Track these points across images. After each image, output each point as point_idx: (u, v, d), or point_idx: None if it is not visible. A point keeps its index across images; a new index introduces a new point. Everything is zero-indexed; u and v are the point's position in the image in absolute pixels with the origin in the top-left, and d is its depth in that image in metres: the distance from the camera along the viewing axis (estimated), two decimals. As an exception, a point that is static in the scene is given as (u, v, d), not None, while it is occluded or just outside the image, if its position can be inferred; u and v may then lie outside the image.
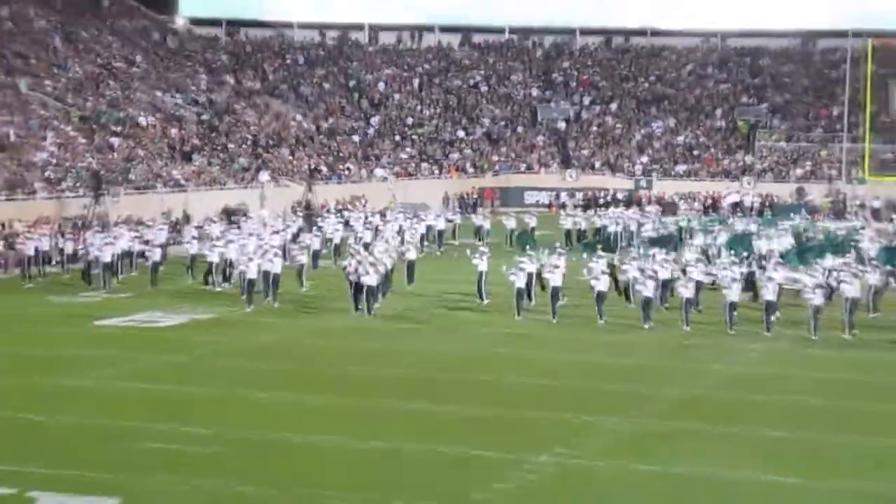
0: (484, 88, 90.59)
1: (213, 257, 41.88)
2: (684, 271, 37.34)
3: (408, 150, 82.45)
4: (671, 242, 46.31)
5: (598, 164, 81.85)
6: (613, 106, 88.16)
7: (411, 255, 42.92)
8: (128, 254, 45.22)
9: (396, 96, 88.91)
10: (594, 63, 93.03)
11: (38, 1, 76.88)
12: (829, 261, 38.47)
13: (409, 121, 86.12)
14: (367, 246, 44.46)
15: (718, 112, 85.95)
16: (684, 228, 53.60)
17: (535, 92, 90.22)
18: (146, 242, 45.65)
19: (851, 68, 78.32)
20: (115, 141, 63.85)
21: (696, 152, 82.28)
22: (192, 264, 43.48)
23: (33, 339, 32.51)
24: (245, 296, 37.50)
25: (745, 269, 37.55)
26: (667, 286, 37.12)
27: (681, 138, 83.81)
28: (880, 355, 31.28)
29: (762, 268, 37.95)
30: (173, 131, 69.23)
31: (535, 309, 36.54)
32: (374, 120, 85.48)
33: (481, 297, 38.33)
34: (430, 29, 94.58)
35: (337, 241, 49.92)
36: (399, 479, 19.69)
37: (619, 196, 74.53)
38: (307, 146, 77.15)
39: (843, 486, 19.58)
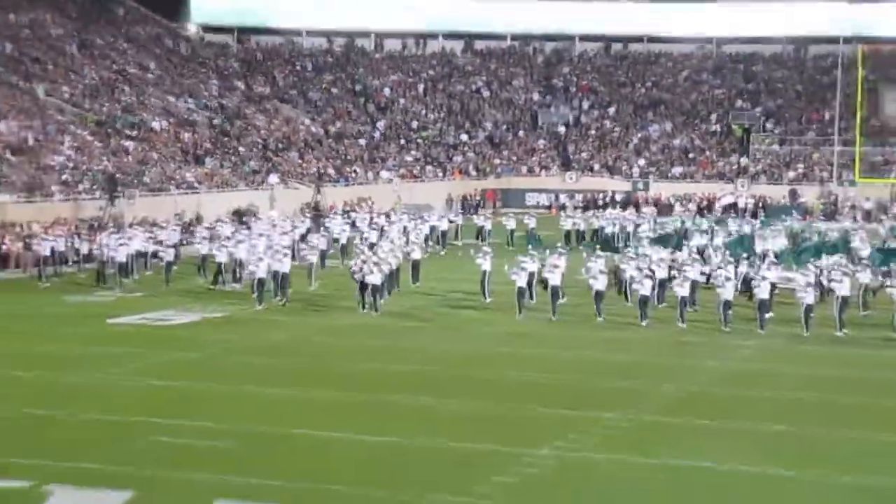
0: (486, 93, 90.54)
1: (222, 257, 41.85)
2: (679, 270, 37.30)
3: (413, 153, 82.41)
4: (673, 241, 46.22)
5: (596, 167, 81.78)
6: (612, 110, 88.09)
7: (416, 254, 42.92)
8: (141, 254, 45.21)
9: (402, 101, 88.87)
10: (593, 69, 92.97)
11: (54, 9, 76.91)
12: (825, 261, 38.34)
13: (414, 125, 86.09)
14: (372, 246, 44.42)
15: (713, 116, 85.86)
16: (678, 229, 53.46)
17: (535, 97, 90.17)
18: (159, 243, 45.62)
19: (842, 74, 78.25)
20: (130, 145, 63.85)
21: (691, 155, 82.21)
22: (203, 264, 43.49)
23: (49, 336, 32.47)
24: (255, 295, 37.48)
25: (743, 269, 37.45)
26: (664, 285, 37.06)
27: (677, 141, 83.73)
28: (872, 352, 31.21)
29: (752, 266, 37.91)
30: (186, 135, 69.23)
31: (536, 307, 36.47)
32: (380, 124, 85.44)
33: (485, 296, 38.31)
34: (433, 36, 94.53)
35: (343, 241, 49.99)
36: (404, 472, 19.63)
37: (618, 198, 74.48)
38: (315, 149, 77.13)
39: (838, 479, 19.50)
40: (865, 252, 44.51)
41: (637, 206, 70.52)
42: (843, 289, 33.81)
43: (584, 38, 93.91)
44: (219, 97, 78.19)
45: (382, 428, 22.23)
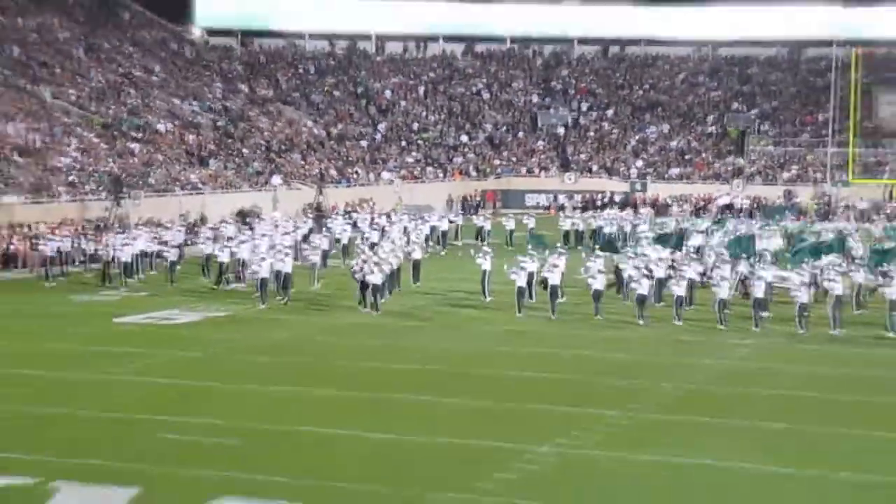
0: (486, 95, 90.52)
1: (224, 257, 41.81)
2: (674, 268, 37.31)
3: (413, 154, 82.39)
4: (672, 241, 46.14)
5: (595, 168, 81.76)
6: (610, 112, 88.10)
7: (417, 254, 42.87)
8: (146, 254, 45.15)
9: (403, 103, 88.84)
10: (591, 71, 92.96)
11: (61, 13, 76.89)
12: (822, 260, 38.24)
13: (415, 126, 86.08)
14: (373, 246, 44.38)
15: (710, 118, 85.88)
16: (677, 229, 53.37)
17: (535, 99, 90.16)
18: (164, 243, 45.57)
19: (837, 76, 78.24)
20: (135, 146, 63.84)
21: (688, 156, 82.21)
22: (207, 264, 43.43)
23: (55, 335, 32.40)
24: (258, 294, 37.44)
25: (742, 269, 37.39)
26: (662, 284, 37.01)
27: (674, 143, 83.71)
28: (866, 351, 31.15)
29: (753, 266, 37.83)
30: (190, 137, 69.19)
31: (536, 306, 36.42)
32: (382, 126, 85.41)
33: (485, 295, 38.27)
34: (434, 39, 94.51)
35: (345, 241, 49.97)
36: (407, 469, 19.58)
37: (616, 198, 74.47)
38: (318, 151, 77.11)
39: (836, 476, 19.45)
40: (860, 252, 44.44)
41: (635, 207, 70.50)
42: (837, 288, 33.78)
43: (583, 41, 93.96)
44: (223, 100, 78.17)
45: (385, 425, 22.17)
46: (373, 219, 56.94)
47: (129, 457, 19.93)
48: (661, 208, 71.58)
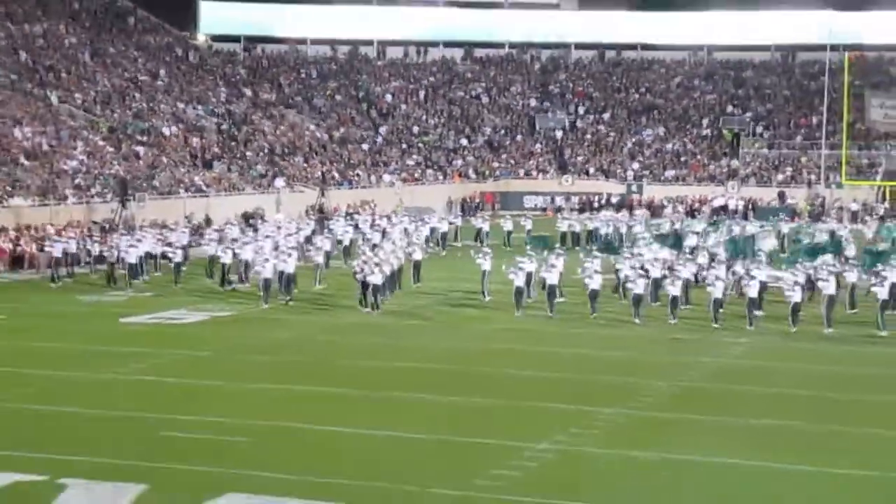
0: (485, 99, 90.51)
1: (226, 258, 41.82)
2: (671, 269, 37.35)
3: (414, 157, 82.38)
4: (670, 241, 46.20)
5: (592, 170, 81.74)
6: (606, 115, 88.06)
7: (417, 255, 42.88)
8: (151, 255, 45.14)
9: (403, 107, 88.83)
10: (588, 75, 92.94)
11: (68, 19, 76.88)
12: (818, 260, 38.24)
13: (415, 130, 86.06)
14: (374, 247, 44.39)
15: (705, 121, 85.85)
16: (674, 230, 53.40)
17: (533, 102, 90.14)
18: (169, 244, 45.56)
19: (829, 80, 78.30)
20: (141, 150, 63.84)
21: (684, 159, 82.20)
22: (211, 265, 43.39)
23: (63, 335, 32.41)
24: (261, 294, 37.47)
25: (739, 269, 37.38)
26: (658, 284, 37.03)
27: (670, 146, 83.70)
28: (859, 349, 31.20)
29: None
30: (195, 140, 69.20)
31: (535, 306, 36.43)
32: (383, 129, 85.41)
33: (484, 295, 38.30)
34: (434, 44, 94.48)
35: (346, 242, 49.98)
36: (408, 466, 19.59)
37: (613, 200, 74.48)
38: (320, 154, 77.10)
39: (830, 472, 19.48)
40: (852, 252, 44.48)
41: (630, 209, 70.52)
42: (829, 287, 33.84)
43: (580, 45, 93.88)
44: (227, 104, 78.14)
45: (386, 423, 22.19)
46: (373, 220, 56.94)
47: (136, 454, 19.94)
48: (657, 210, 71.57)
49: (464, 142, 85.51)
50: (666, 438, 21.28)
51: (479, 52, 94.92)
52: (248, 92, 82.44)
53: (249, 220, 57.48)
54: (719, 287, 34.16)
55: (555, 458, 20.01)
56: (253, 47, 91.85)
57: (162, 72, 77.41)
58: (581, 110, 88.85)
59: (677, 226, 54.32)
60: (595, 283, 35.27)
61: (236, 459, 19.71)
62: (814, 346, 31.42)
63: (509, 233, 56.08)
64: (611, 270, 38.82)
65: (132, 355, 28.88)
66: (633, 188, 77.93)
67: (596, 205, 73.62)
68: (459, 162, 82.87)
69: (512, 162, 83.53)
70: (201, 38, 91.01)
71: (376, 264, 36.64)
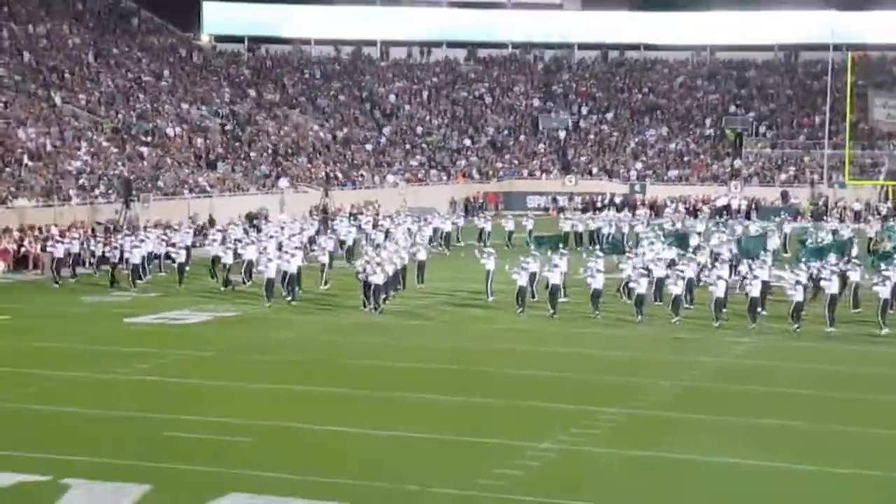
0: (488, 99, 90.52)
1: (228, 258, 41.82)
2: (672, 267, 37.37)
3: (417, 157, 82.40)
4: (679, 241, 46.26)
5: (595, 170, 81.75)
6: (610, 115, 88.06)
7: (421, 255, 42.88)
8: (155, 256, 45.15)
9: (407, 107, 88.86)
10: (591, 75, 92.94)
11: (72, 20, 76.94)
12: (833, 259, 38.15)
13: (419, 130, 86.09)
14: (377, 247, 44.38)
15: (708, 121, 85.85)
16: (679, 229, 53.41)
17: (536, 103, 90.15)
18: (172, 245, 45.58)
19: (832, 80, 78.25)
20: (145, 150, 63.90)
21: (687, 158, 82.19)
22: (214, 265, 43.36)
23: (66, 335, 32.45)
24: (264, 293, 37.50)
25: (743, 269, 37.35)
26: (661, 283, 37.02)
27: (673, 145, 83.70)
28: (861, 348, 31.18)
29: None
30: (199, 141, 69.25)
31: (538, 305, 36.43)
32: (386, 130, 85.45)
33: (488, 295, 38.31)
34: (437, 44, 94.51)
35: (350, 242, 49.98)
36: (410, 465, 19.61)
37: (617, 200, 74.48)
38: (323, 154, 77.14)
39: (831, 471, 19.49)
40: (854, 251, 44.44)
41: (633, 208, 70.53)
42: (832, 287, 33.83)
43: (583, 46, 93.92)
44: (230, 104, 78.19)
45: (388, 422, 22.21)
46: (376, 220, 57.00)
47: (139, 454, 19.96)
48: (660, 210, 71.57)
49: (467, 142, 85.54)
50: (668, 438, 21.29)
51: (482, 53, 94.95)
52: (252, 92, 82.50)
53: (253, 220, 57.52)
54: (721, 286, 34.14)
55: (557, 458, 20.02)
56: (257, 48, 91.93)
57: (166, 72, 77.47)
58: (584, 110, 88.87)
59: (678, 225, 54.33)
60: (597, 282, 35.26)
61: (239, 459, 19.73)
62: (816, 345, 31.41)
63: (511, 233, 56.12)
64: (614, 270, 38.80)
65: (135, 355, 28.90)
66: (637, 188, 77.95)
67: (599, 205, 73.62)
68: (463, 162, 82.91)
69: (515, 162, 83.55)
70: (205, 39, 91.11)
71: (378, 264, 36.67)
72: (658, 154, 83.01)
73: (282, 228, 50.68)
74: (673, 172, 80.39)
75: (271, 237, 46.74)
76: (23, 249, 46.78)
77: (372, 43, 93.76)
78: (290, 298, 37.80)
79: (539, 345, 31.25)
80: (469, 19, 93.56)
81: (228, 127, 73.77)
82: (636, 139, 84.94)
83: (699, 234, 49.63)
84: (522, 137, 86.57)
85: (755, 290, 34.02)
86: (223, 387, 25.77)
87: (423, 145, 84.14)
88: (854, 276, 36.56)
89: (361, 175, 75.88)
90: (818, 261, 38.10)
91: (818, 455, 20.36)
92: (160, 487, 18.20)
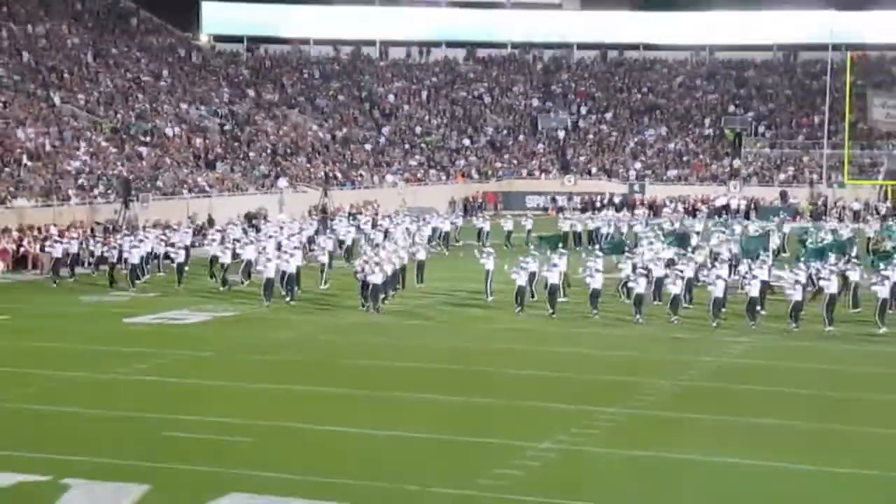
0: (487, 99, 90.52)
1: (225, 258, 41.82)
2: (670, 266, 37.39)
3: (417, 157, 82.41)
4: (688, 240, 46.34)
5: (594, 170, 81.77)
6: (609, 115, 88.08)
7: (421, 255, 42.89)
8: (155, 255, 45.16)
9: (406, 107, 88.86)
10: (590, 75, 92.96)
11: (70, 20, 76.93)
12: (832, 259, 38.18)
13: (418, 130, 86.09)
14: (377, 247, 44.38)
15: (707, 121, 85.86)
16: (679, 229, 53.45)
17: (535, 102, 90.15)
18: (171, 245, 45.58)
19: (831, 79, 78.29)
20: (144, 150, 63.89)
21: (686, 158, 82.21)
22: (212, 265, 43.35)
23: (66, 335, 32.45)
24: (263, 293, 37.51)
25: (742, 269, 37.38)
26: (660, 283, 37.04)
27: (672, 145, 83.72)
28: (859, 348, 31.20)
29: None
30: (198, 141, 69.25)
31: (537, 305, 36.45)
32: (385, 129, 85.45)
33: (488, 295, 38.33)
34: (437, 44, 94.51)
35: (349, 242, 50.00)
36: (410, 465, 19.62)
37: (616, 200, 74.51)
38: (323, 154, 77.13)
39: (830, 471, 19.51)
40: (854, 251, 44.47)
41: (632, 208, 70.56)
42: (831, 286, 33.85)
43: (582, 45, 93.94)
44: (229, 104, 78.19)
45: (388, 423, 22.22)
46: (374, 220, 57.04)
47: (139, 454, 19.97)
48: (657, 209, 71.62)
49: (466, 142, 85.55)
50: (667, 437, 21.31)
51: (481, 53, 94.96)
52: (251, 92, 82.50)
53: (252, 220, 57.52)
54: (720, 286, 34.15)
55: (557, 458, 20.04)
56: (256, 48, 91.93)
57: (165, 72, 77.47)
58: (583, 110, 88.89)
59: (676, 225, 54.37)
60: (596, 282, 35.28)
61: (238, 459, 19.74)
62: (815, 345, 31.42)
63: (510, 232, 56.16)
64: (613, 270, 38.82)
65: (135, 355, 28.91)
66: (636, 188, 77.98)
67: (598, 204, 73.67)
68: (462, 162, 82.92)
69: (514, 162, 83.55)
70: (204, 39, 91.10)
71: (377, 264, 36.69)
72: (657, 154, 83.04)
73: (280, 228, 50.70)
74: (672, 172, 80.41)
75: (270, 237, 46.75)
76: (22, 249, 46.77)
77: (371, 43, 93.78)
78: (288, 298, 37.80)
79: (538, 344, 31.27)
80: (468, 19, 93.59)
81: (227, 127, 73.77)
82: (635, 139, 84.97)
83: (698, 233, 49.67)
84: (521, 137, 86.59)
85: (754, 290, 34.05)
86: (222, 387, 25.78)
87: (423, 145, 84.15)
88: (853, 275, 36.58)
89: (360, 175, 75.89)
90: (818, 261, 38.12)
91: (817, 454, 20.39)
92: (160, 487, 18.21)
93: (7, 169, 54.50)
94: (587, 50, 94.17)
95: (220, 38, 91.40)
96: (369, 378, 26.50)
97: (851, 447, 20.97)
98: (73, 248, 44.75)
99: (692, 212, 70.36)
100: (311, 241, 48.76)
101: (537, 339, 32.11)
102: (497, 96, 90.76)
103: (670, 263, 38.86)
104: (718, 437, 21.34)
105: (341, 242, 49.77)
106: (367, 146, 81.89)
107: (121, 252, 43.29)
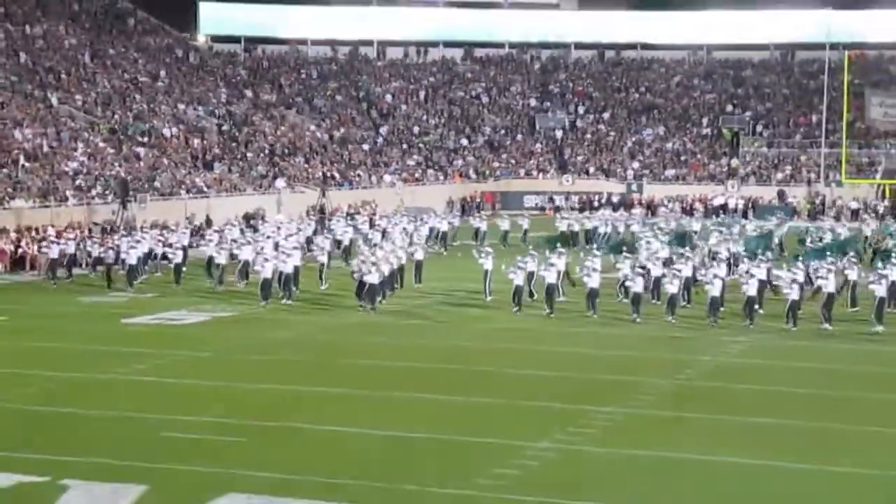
0: (485, 99, 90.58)
1: (221, 258, 41.81)
2: (667, 265, 37.40)
3: (414, 157, 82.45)
4: (688, 239, 46.36)
5: (592, 170, 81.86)
6: (606, 115, 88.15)
7: (419, 255, 42.90)
8: (152, 256, 45.13)
9: (403, 107, 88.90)
10: (588, 75, 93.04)
11: (68, 20, 76.93)
12: (830, 258, 38.18)
13: (416, 130, 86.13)
14: (375, 247, 44.36)
15: (705, 120, 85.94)
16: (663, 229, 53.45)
17: (533, 102, 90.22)
18: (169, 245, 45.56)
19: (828, 79, 78.37)
20: (141, 151, 63.88)
21: (683, 158, 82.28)
22: (209, 265, 43.34)
23: (64, 336, 32.42)
24: (261, 293, 37.50)
25: (743, 267, 37.44)
26: (658, 282, 37.06)
27: (669, 145, 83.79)
28: (858, 347, 31.23)
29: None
30: (195, 141, 69.24)
31: (534, 305, 36.46)
32: (383, 129, 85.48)
33: (486, 294, 38.34)
34: (434, 44, 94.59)
35: (346, 242, 50.01)
36: (408, 465, 19.62)
37: (614, 199, 74.56)
38: (320, 154, 77.14)
39: (828, 470, 19.52)
40: (856, 249, 44.52)
41: (629, 207, 70.62)
42: (829, 285, 33.87)
43: (580, 45, 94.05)
44: (227, 104, 78.19)
45: (386, 422, 22.21)
46: (372, 220, 57.06)
47: (137, 455, 19.94)
48: (655, 209, 71.68)
49: (464, 142, 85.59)
50: (666, 437, 21.31)
51: (478, 52, 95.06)
52: (249, 93, 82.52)
53: (250, 220, 57.52)
54: (717, 285, 34.16)
55: (555, 457, 20.03)
56: (253, 48, 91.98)
57: (162, 73, 77.48)
58: (581, 110, 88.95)
59: (672, 224, 54.43)
60: (594, 281, 35.28)
61: (237, 459, 19.73)
62: (813, 344, 31.44)
63: (506, 232, 56.18)
64: (611, 269, 38.83)
65: (133, 356, 28.88)
66: (633, 187, 78.04)
67: (596, 204, 73.75)
68: (460, 162, 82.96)
69: (512, 162, 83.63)
70: (201, 39, 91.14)
71: (373, 263, 36.69)
72: (655, 153, 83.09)
73: (278, 229, 50.69)
74: (670, 172, 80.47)
75: (268, 237, 46.74)
76: (20, 250, 46.74)
77: (368, 43, 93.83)
78: (285, 299, 37.76)
79: (537, 344, 31.27)
80: (466, 19, 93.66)
81: (225, 127, 73.77)
82: (633, 138, 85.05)
83: (696, 233, 49.72)
84: (519, 137, 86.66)
85: (752, 290, 34.04)
86: (221, 387, 25.76)
87: (420, 145, 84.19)
88: (852, 274, 36.60)
89: (358, 175, 75.90)
90: (818, 260, 38.14)
91: (815, 453, 20.39)
92: (158, 488, 18.20)
93: (5, 170, 54.49)
94: (584, 50, 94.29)
95: (217, 39, 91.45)
96: (368, 378, 26.49)
97: (850, 446, 20.98)
98: (70, 249, 44.71)
99: (689, 211, 70.39)
100: (309, 241, 48.75)
101: (536, 338, 32.11)
102: (495, 96, 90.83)
103: (668, 263, 38.91)
104: (717, 437, 21.34)
105: (339, 242, 49.78)
106: (365, 146, 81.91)
107: (118, 253, 43.28)
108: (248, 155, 71.29)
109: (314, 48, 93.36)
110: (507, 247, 52.22)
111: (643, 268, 36.92)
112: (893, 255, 40.38)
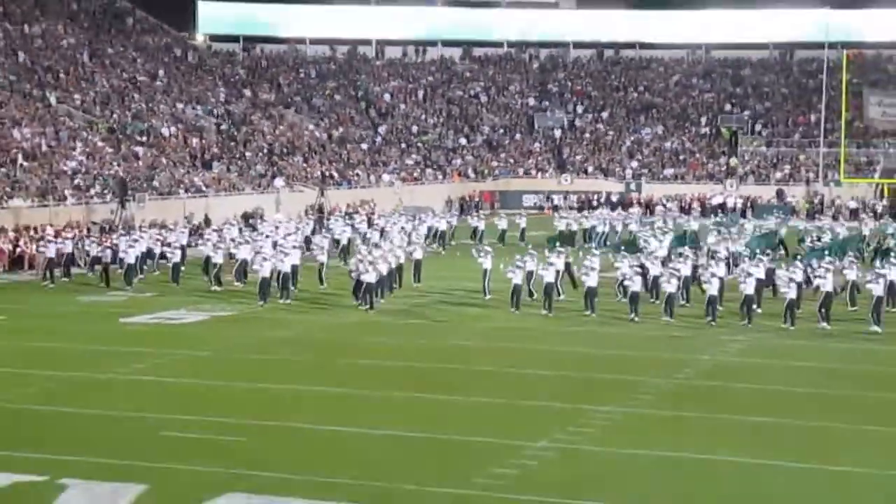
0: (484, 98, 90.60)
1: (218, 258, 41.79)
2: (664, 263, 37.46)
3: (413, 156, 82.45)
4: (692, 238, 46.42)
5: (591, 169, 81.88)
6: (605, 114, 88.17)
7: (418, 254, 42.90)
8: (151, 255, 45.12)
9: (402, 106, 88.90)
10: (587, 74, 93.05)
11: (66, 20, 76.90)
12: (829, 257, 38.21)
13: (414, 129, 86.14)
14: (374, 246, 44.36)
15: (703, 119, 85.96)
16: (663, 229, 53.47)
17: (531, 101, 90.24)
18: (168, 245, 45.55)
19: (827, 78, 78.41)
20: (140, 150, 63.87)
21: (682, 157, 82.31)
22: (207, 265, 43.30)
23: (63, 335, 32.41)
24: (259, 293, 37.50)
25: (743, 267, 37.48)
26: (656, 281, 37.07)
27: (668, 144, 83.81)
28: (856, 346, 31.25)
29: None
30: (194, 141, 69.24)
31: (533, 304, 36.47)
32: (382, 129, 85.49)
33: (485, 293, 38.36)
34: (433, 43, 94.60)
35: (344, 241, 50.01)
36: (407, 465, 19.63)
37: (613, 198, 74.58)
38: (319, 154, 77.14)
39: (826, 469, 19.54)
40: (861, 248, 44.59)
41: (627, 207, 70.66)
42: (827, 284, 33.88)
43: (578, 44, 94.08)
44: (226, 104, 78.18)
45: (385, 422, 22.23)
46: (370, 220, 57.06)
47: (136, 454, 19.95)
48: (653, 208, 71.72)
49: (463, 141, 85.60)
50: (664, 436, 21.32)
51: (477, 52, 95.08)
52: (247, 92, 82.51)
53: (249, 219, 57.52)
54: (715, 284, 34.19)
55: (554, 457, 20.05)
56: (252, 47, 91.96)
57: (161, 72, 77.46)
58: (580, 109, 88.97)
59: (669, 223, 54.46)
60: (592, 280, 35.30)
61: (236, 459, 19.73)
62: (810, 343, 31.46)
63: (504, 231, 56.20)
64: (609, 268, 38.84)
65: (132, 355, 28.88)
66: (632, 186, 78.07)
67: (595, 203, 73.76)
68: (458, 161, 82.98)
69: (511, 161, 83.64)
70: (200, 39, 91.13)
71: (371, 263, 36.70)
72: (654, 153, 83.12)
73: (276, 228, 50.69)
74: (668, 171, 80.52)
75: (267, 237, 46.73)
76: (18, 250, 46.72)
77: (367, 42, 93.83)
78: (283, 298, 37.75)
79: (535, 343, 31.28)
80: (464, 18, 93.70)
81: (224, 127, 73.77)
82: (632, 138, 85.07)
83: (695, 232, 49.76)
84: (518, 136, 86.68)
85: (749, 288, 34.06)
86: (220, 386, 25.77)
87: (419, 144, 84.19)
88: (851, 274, 36.61)
89: (357, 174, 75.89)
90: (818, 260, 38.17)
91: (814, 453, 20.41)
92: (157, 487, 18.20)
93: (3, 169, 54.49)
94: (583, 49, 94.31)
95: (216, 38, 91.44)
96: (367, 378, 26.50)
97: (849, 446, 21.00)
98: (68, 248, 44.66)
99: (687, 210, 70.41)
100: (307, 240, 48.76)
101: (535, 337, 32.12)
102: (493, 95, 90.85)
103: (665, 262, 38.92)
104: (715, 436, 21.36)
105: (337, 242, 49.78)
106: (364, 145, 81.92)
107: (115, 252, 43.26)
108: (247, 154, 71.29)
109: (313, 47, 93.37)
110: (505, 245, 52.21)
111: (641, 267, 36.93)
112: (893, 254, 40.37)
